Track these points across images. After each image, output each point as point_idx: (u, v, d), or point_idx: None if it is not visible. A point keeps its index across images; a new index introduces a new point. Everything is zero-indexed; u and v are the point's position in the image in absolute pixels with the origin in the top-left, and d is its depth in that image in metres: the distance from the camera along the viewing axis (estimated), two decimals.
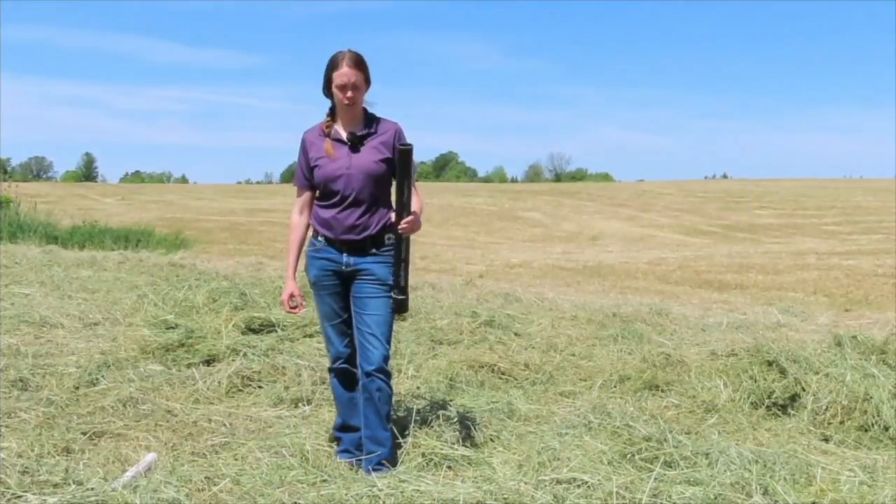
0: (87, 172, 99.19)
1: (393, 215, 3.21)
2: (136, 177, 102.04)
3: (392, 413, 3.29)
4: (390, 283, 3.15)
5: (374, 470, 2.97)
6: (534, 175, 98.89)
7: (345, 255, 3.15)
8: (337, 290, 3.20)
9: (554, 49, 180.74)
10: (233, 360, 4.64)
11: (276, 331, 5.38)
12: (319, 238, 3.20)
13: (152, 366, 4.68)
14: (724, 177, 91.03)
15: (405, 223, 3.04)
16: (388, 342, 3.14)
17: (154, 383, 4.35)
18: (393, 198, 3.18)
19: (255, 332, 5.36)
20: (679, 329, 6.26)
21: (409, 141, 3.13)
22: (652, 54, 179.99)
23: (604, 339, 5.60)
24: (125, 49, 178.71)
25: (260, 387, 4.38)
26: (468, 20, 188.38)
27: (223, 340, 4.97)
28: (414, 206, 3.09)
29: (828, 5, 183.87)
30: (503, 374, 4.71)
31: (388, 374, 3.12)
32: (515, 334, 5.65)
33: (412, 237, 3.16)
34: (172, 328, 5.28)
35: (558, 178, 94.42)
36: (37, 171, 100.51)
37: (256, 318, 5.49)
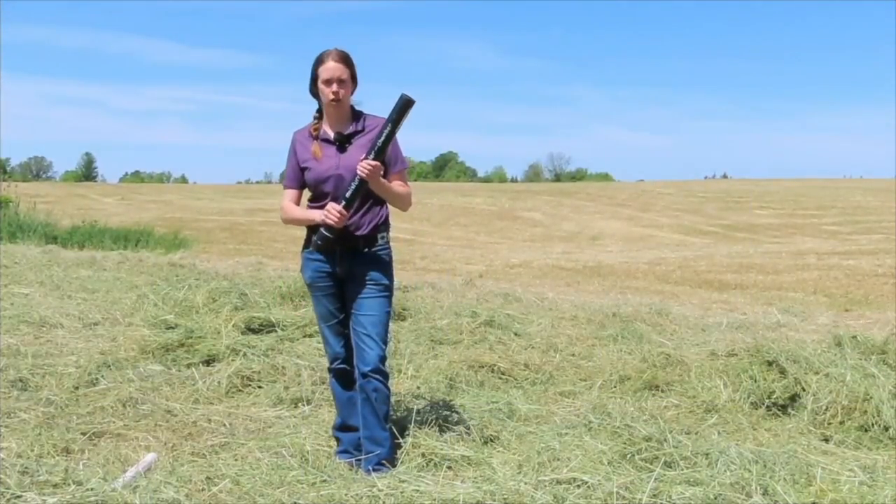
0: (87, 172, 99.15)
1: (386, 213, 3.20)
2: (136, 177, 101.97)
3: (391, 413, 3.28)
4: (385, 282, 3.14)
5: (374, 470, 2.97)
6: (533, 175, 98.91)
7: (338, 255, 3.14)
8: (332, 292, 3.19)
9: (554, 49, 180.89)
10: (232, 360, 4.64)
11: (275, 331, 5.37)
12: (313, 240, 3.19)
13: (152, 366, 4.68)
14: (724, 177, 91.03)
15: (368, 164, 2.94)
16: (384, 342, 3.12)
17: (154, 383, 4.35)
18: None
19: (254, 332, 5.36)
20: (679, 329, 6.25)
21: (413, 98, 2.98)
22: (652, 54, 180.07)
23: (604, 339, 5.59)
24: (125, 49, 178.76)
25: (260, 387, 4.37)
26: (467, 20, 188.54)
27: (223, 340, 4.97)
28: (399, 191, 3.11)
29: (827, 5, 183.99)
30: (503, 374, 4.71)
31: (384, 375, 3.11)
32: (515, 334, 5.64)
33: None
34: (172, 328, 5.28)
35: (558, 178, 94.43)
36: (36, 171, 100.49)
37: (256, 318, 5.49)
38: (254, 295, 6.07)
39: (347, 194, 3.00)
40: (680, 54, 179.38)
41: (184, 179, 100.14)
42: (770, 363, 4.26)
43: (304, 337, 5.35)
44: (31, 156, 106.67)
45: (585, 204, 35.29)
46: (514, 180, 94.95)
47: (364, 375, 3.08)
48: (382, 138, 2.98)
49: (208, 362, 4.75)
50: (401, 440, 3.24)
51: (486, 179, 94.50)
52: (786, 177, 62.60)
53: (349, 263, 3.12)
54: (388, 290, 3.16)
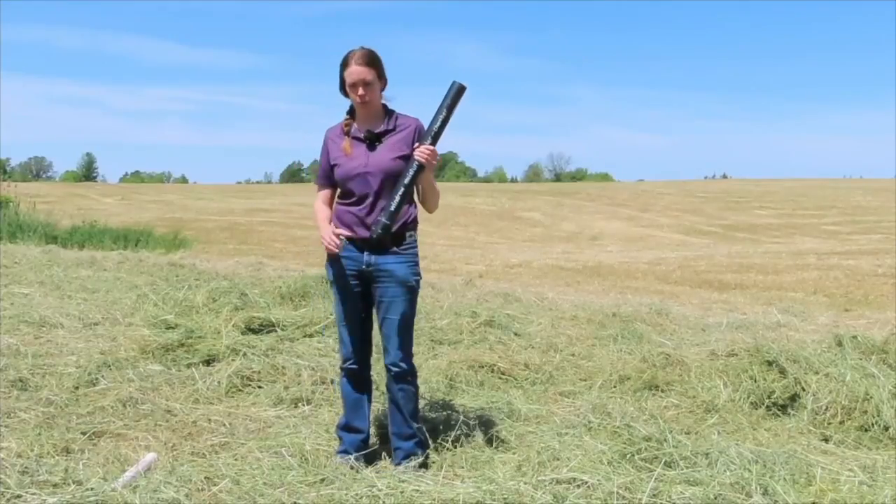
0: (88, 172, 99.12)
1: (415, 212, 3.21)
2: (136, 177, 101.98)
3: (420, 412, 3.35)
4: (412, 283, 3.15)
5: (400, 464, 3.08)
6: (533, 175, 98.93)
7: (365, 253, 3.13)
8: (356, 292, 3.20)
9: (554, 49, 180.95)
10: (232, 360, 4.64)
11: (275, 331, 5.37)
12: (340, 237, 3.19)
13: (152, 366, 4.68)
14: (724, 177, 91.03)
15: (427, 149, 2.98)
16: (410, 343, 3.19)
17: (154, 383, 4.35)
18: (415, 195, 3.17)
19: (254, 332, 5.36)
20: (679, 329, 6.25)
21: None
22: (652, 54, 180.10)
23: (604, 339, 5.60)
24: (125, 49, 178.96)
25: (260, 387, 4.37)
26: (467, 20, 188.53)
27: (223, 340, 4.96)
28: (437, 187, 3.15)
29: (827, 5, 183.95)
30: (503, 374, 4.71)
31: (411, 373, 3.18)
32: (515, 334, 5.65)
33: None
34: (172, 328, 5.28)
35: (558, 178, 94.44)
36: (36, 171, 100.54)
37: (256, 318, 5.49)
38: (254, 295, 6.07)
39: (406, 181, 3.00)
40: (680, 54, 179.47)
41: (184, 179, 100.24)
42: (770, 363, 4.26)
43: (304, 337, 5.35)
44: (31, 156, 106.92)
45: (585, 204, 35.27)
46: (514, 180, 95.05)
47: (391, 374, 3.16)
48: (438, 124, 2.99)
49: (208, 362, 4.75)
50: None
51: (486, 179, 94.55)
52: (786, 177, 62.65)
53: (376, 262, 3.13)
54: (413, 291, 3.18)
